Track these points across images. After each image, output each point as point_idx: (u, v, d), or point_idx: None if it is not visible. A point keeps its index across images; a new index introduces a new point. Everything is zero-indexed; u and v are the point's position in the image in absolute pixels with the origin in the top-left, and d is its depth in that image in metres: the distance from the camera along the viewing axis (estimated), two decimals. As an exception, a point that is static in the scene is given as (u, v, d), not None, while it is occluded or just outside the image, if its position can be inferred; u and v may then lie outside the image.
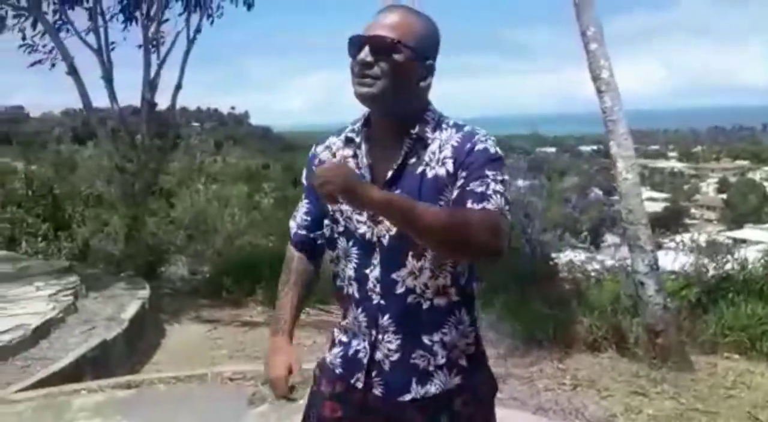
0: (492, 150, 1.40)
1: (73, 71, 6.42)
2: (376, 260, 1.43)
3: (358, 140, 1.49)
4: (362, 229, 1.44)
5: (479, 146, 1.40)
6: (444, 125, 1.45)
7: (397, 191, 1.39)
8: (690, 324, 5.15)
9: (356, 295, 1.47)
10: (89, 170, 15.48)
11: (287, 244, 1.66)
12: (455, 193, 1.37)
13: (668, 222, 27.67)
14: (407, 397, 1.44)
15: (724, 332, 5.01)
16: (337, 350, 1.55)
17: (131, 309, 5.21)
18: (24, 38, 6.56)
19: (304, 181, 1.62)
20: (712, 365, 4.51)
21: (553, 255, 8.58)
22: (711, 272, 5.98)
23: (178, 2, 6.90)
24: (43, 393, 3.51)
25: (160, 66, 6.86)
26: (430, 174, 1.40)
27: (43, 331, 4.54)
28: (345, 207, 1.45)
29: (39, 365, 4.04)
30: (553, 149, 60.18)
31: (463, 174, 1.37)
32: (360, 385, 1.48)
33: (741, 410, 3.74)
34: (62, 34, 6.59)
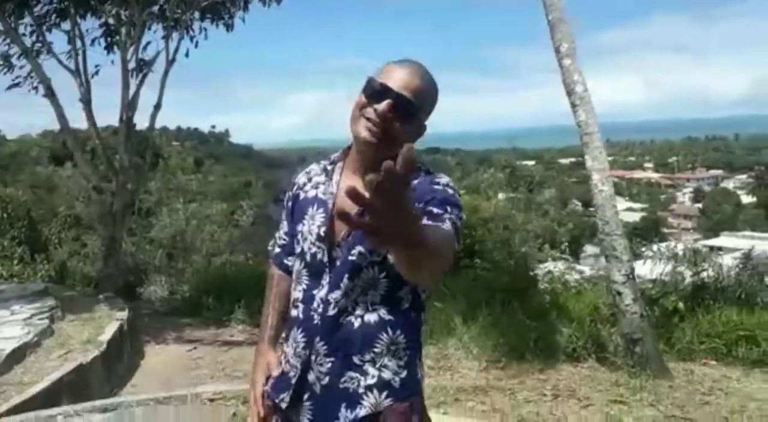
0: (451, 192, 1.44)
1: (50, 93, 6.38)
2: (325, 280, 1.46)
3: (330, 168, 1.54)
4: (313, 250, 1.48)
5: (437, 187, 1.43)
6: (417, 165, 1.46)
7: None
8: (667, 331, 5.23)
9: (300, 316, 1.49)
10: (68, 192, 15.35)
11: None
12: None
13: (646, 232, 28.01)
14: None
15: (700, 339, 5.09)
16: (271, 380, 1.57)
17: (109, 331, 5.13)
18: (7, 59, 6.51)
19: (286, 203, 1.66)
20: (689, 372, 4.58)
21: (535, 266, 8.65)
22: (687, 280, 6.08)
23: (159, 25, 6.92)
24: (19, 420, 3.44)
25: (139, 87, 6.84)
26: None
27: (18, 356, 4.45)
28: (303, 228, 1.50)
29: (14, 390, 3.96)
30: (532, 162, 60.83)
31: (422, 204, 1.37)
32: (284, 405, 1.48)
33: (718, 416, 3.80)
34: (42, 56, 6.56)
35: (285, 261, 1.66)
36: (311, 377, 1.45)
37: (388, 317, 1.44)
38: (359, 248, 1.42)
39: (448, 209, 1.38)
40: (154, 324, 6.76)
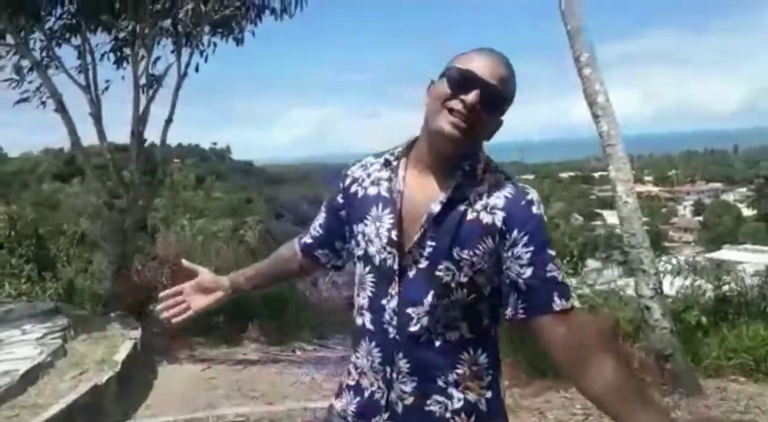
0: (545, 219, 1.34)
1: (61, 108, 6.32)
2: (394, 290, 1.35)
3: (395, 164, 1.41)
4: (383, 255, 1.36)
5: (535, 211, 1.32)
6: (492, 167, 1.38)
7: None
8: (692, 347, 5.12)
9: (369, 326, 1.39)
10: (73, 209, 15.24)
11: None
12: (527, 268, 1.28)
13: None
14: None
15: (727, 355, 4.99)
16: (348, 396, 1.45)
17: (123, 351, 5.02)
18: (19, 72, 6.45)
19: (335, 196, 1.56)
20: (721, 389, 4.47)
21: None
22: (708, 294, 5.98)
23: (169, 39, 6.89)
24: (36, 444, 3.33)
25: (149, 102, 6.79)
26: (471, 216, 1.31)
27: (31, 377, 4.34)
28: (368, 230, 1.39)
29: (28, 413, 3.84)
30: (531, 176, 60.93)
31: (526, 241, 1.29)
32: None
33: (758, 434, 3.68)
34: (50, 71, 6.51)
35: (316, 253, 1.59)
36: (393, 396, 1.36)
37: (469, 335, 1.35)
38: (446, 264, 1.31)
39: (554, 257, 1.31)
40: (166, 343, 6.64)
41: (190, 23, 6.41)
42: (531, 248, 1.28)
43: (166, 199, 14.56)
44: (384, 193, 1.39)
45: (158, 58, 6.84)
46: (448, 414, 1.34)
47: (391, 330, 1.35)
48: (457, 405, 1.34)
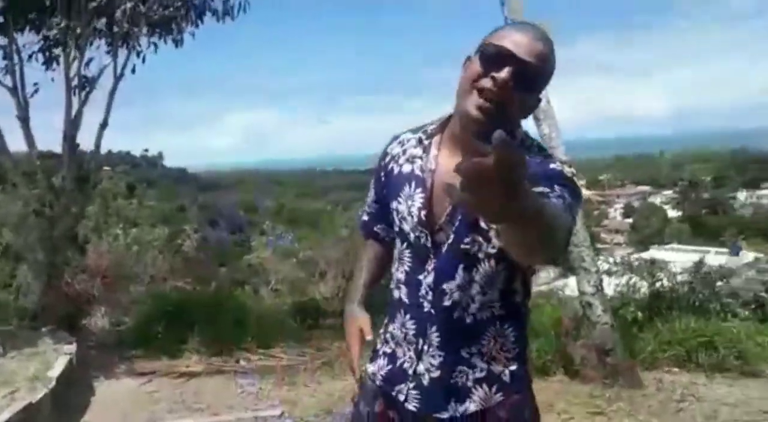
0: (568, 175, 1.27)
1: (-17, 112, 5.96)
2: (430, 266, 1.37)
3: (427, 142, 1.41)
4: (416, 233, 1.38)
5: (555, 166, 1.28)
6: (528, 143, 1.37)
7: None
8: (629, 342, 5.33)
9: (405, 300, 1.42)
10: (-7, 219, 14.36)
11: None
12: None
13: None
14: (444, 415, 1.38)
15: (662, 347, 5.21)
16: (381, 362, 1.50)
17: (57, 367, 4.77)
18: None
19: (376, 172, 1.58)
20: (657, 380, 4.66)
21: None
22: (642, 291, 6.24)
23: (102, 40, 6.60)
24: (-36, 468, 3.11)
25: (82, 105, 6.48)
26: None
27: (-44, 398, 4.06)
28: (401, 208, 1.41)
29: (-45, 436, 3.60)
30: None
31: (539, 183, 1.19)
32: (402, 397, 1.41)
33: (695, 422, 3.86)
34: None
35: (375, 229, 1.62)
36: (421, 367, 1.39)
37: (499, 312, 1.38)
38: (473, 236, 1.31)
39: (556, 188, 1.19)
40: (101, 357, 6.34)
41: (127, 23, 6.18)
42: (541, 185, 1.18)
43: (98, 207, 13.95)
44: (417, 171, 1.40)
45: (91, 60, 6.55)
46: (469, 383, 1.37)
47: (426, 304, 1.38)
48: (479, 374, 1.37)
